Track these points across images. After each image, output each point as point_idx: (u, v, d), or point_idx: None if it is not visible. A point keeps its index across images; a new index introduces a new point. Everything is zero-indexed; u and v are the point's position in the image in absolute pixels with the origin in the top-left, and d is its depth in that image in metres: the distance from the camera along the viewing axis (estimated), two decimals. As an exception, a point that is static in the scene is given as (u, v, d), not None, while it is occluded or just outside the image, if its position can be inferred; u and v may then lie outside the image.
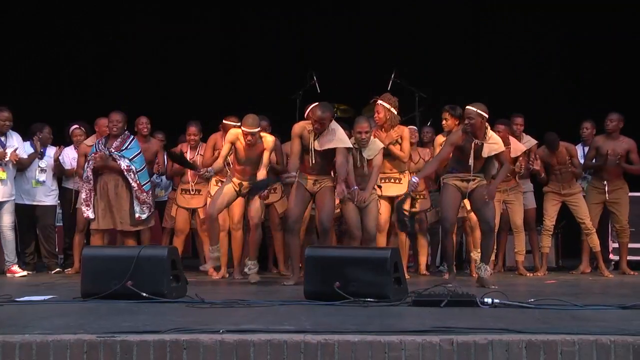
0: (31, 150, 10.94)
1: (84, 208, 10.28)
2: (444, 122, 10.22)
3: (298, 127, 9.31)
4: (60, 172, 11.27)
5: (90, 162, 10.26)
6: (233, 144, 9.48)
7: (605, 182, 10.94)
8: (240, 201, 9.93)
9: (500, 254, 11.14)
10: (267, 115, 10.57)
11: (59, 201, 11.45)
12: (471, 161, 8.96)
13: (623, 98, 13.41)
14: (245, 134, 9.32)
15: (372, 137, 9.54)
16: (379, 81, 12.18)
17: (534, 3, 14.05)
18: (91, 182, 10.23)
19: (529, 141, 10.95)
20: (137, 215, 10.30)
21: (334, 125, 9.22)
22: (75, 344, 5.07)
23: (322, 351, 5.00)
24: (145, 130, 11.03)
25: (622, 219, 11.02)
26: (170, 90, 14.02)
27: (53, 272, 10.99)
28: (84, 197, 10.28)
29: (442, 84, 13.22)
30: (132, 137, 10.54)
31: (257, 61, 14.58)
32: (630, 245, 11.36)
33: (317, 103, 9.43)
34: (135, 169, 10.30)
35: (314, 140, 9.13)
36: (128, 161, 10.27)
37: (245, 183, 9.52)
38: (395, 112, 9.78)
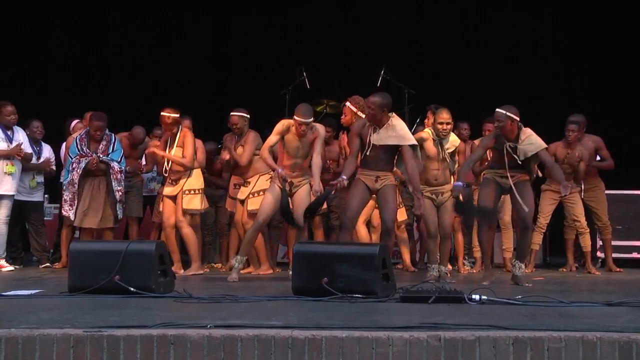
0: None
1: (66, 207, 10.28)
2: (426, 120, 10.25)
3: (358, 125, 8.96)
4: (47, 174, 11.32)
5: (76, 166, 10.22)
6: (282, 135, 9.34)
7: (581, 183, 10.89)
8: (181, 195, 10.02)
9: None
10: (256, 111, 10.59)
11: (47, 195, 11.47)
12: (506, 164, 8.89)
13: (612, 94, 13.53)
14: (299, 124, 9.22)
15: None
16: (369, 77, 12.17)
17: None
18: (76, 185, 10.21)
19: None
20: (118, 215, 10.41)
21: (396, 120, 8.83)
22: (62, 339, 5.07)
23: (310, 347, 5.01)
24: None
25: (602, 216, 11.07)
26: (160, 86, 13.97)
27: (42, 266, 10.97)
28: (68, 198, 10.26)
29: (432, 81, 13.22)
30: (114, 137, 10.56)
31: (247, 57, 14.56)
32: (617, 243, 11.48)
33: None
34: (123, 170, 10.40)
35: (373, 134, 8.73)
36: (117, 164, 10.32)
37: (295, 180, 9.37)
38: (363, 115, 9.37)
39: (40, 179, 11.03)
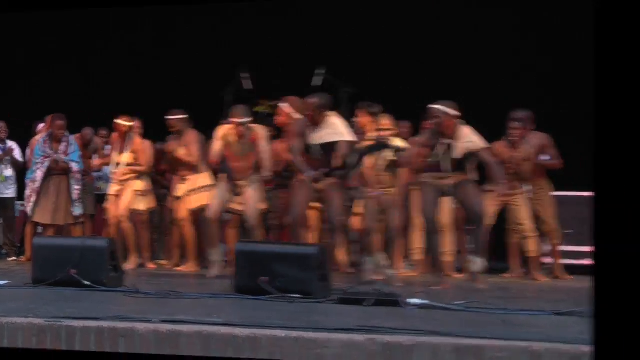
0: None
1: (26, 203, 10.68)
2: (357, 119, 9.92)
3: (299, 124, 8.99)
4: (17, 167, 11.63)
5: (40, 165, 10.63)
6: (224, 140, 9.57)
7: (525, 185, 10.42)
8: (128, 193, 10.44)
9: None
10: (196, 114, 10.83)
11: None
12: (441, 161, 8.73)
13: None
14: (236, 126, 9.46)
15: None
16: (310, 77, 12.06)
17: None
18: (36, 182, 10.60)
19: None
20: (76, 212, 10.91)
21: (333, 118, 8.87)
22: (27, 327, 5.37)
23: (249, 345, 5.12)
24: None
25: (549, 220, 10.41)
26: (109, 88, 13.92)
27: (10, 259, 11.46)
28: (27, 193, 10.65)
29: (373, 81, 12.99)
30: (72, 137, 11.02)
31: (187, 59, 14.34)
32: (567, 248, 10.87)
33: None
34: (81, 170, 10.79)
35: (312, 134, 8.80)
36: (76, 164, 10.78)
37: (242, 182, 9.59)
38: (298, 116, 9.31)
39: (8, 172, 11.37)
